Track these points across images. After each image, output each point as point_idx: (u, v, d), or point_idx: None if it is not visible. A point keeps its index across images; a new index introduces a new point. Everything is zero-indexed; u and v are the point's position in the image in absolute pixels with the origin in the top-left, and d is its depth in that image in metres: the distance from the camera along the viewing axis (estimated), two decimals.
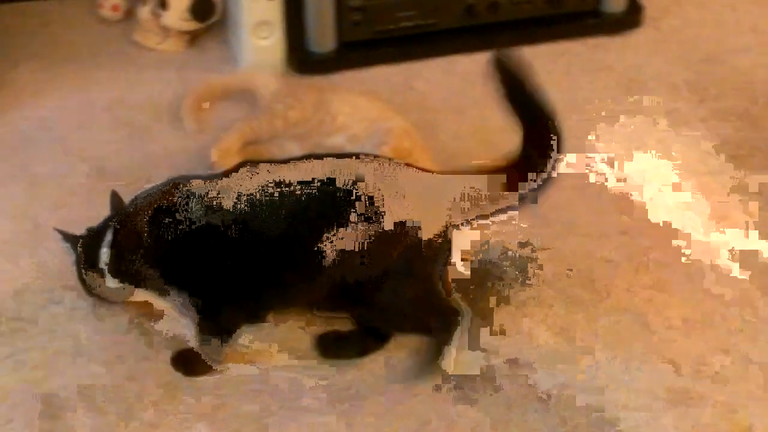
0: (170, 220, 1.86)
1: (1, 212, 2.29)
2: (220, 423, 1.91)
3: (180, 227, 1.86)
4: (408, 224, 1.85)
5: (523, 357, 2.01)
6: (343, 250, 1.82)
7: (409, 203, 1.86)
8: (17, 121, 2.53)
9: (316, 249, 1.82)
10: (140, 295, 1.96)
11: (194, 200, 1.86)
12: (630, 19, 2.80)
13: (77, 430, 1.89)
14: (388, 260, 1.86)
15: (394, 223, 1.84)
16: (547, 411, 1.92)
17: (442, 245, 1.90)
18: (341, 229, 1.82)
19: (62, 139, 2.49)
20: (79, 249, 1.98)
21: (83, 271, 1.98)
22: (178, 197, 1.87)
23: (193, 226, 1.85)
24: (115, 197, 2.01)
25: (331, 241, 1.82)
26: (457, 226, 1.90)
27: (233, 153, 2.35)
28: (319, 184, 1.84)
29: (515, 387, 1.96)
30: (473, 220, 1.92)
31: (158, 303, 1.98)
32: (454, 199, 1.90)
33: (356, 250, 1.83)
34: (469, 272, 2.12)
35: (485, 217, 1.92)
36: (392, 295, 1.89)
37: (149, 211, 1.89)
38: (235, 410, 1.93)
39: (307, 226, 1.83)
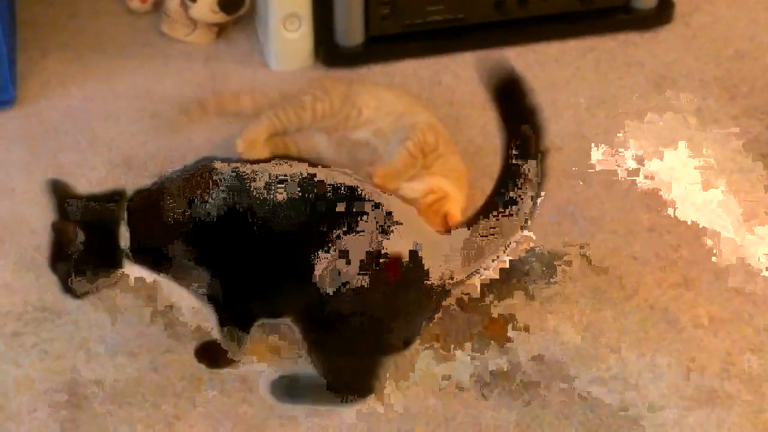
0: (210, 199, 1.79)
1: (27, 201, 2.30)
2: (243, 416, 1.91)
3: (217, 208, 1.79)
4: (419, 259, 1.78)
5: (548, 354, 2.00)
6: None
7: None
8: (44, 111, 2.53)
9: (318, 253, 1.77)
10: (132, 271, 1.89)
11: (231, 182, 1.80)
12: (660, 15, 2.78)
13: (101, 420, 1.90)
14: (381, 288, 1.76)
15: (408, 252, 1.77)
16: (572, 408, 1.91)
17: (435, 297, 1.83)
18: (352, 235, 1.76)
19: (89, 130, 2.48)
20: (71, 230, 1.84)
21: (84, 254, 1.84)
22: (218, 177, 1.81)
23: (228, 209, 1.78)
24: (58, 184, 1.90)
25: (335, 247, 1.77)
26: (457, 282, 1.83)
27: (259, 144, 2.34)
28: (346, 192, 1.80)
29: (540, 384, 1.95)
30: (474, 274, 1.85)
31: (172, 290, 1.94)
32: (461, 249, 1.82)
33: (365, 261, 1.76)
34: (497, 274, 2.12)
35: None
36: (352, 332, 1.80)
37: (186, 189, 1.81)
38: (260, 403, 1.92)
39: (325, 228, 1.77)
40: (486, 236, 1.83)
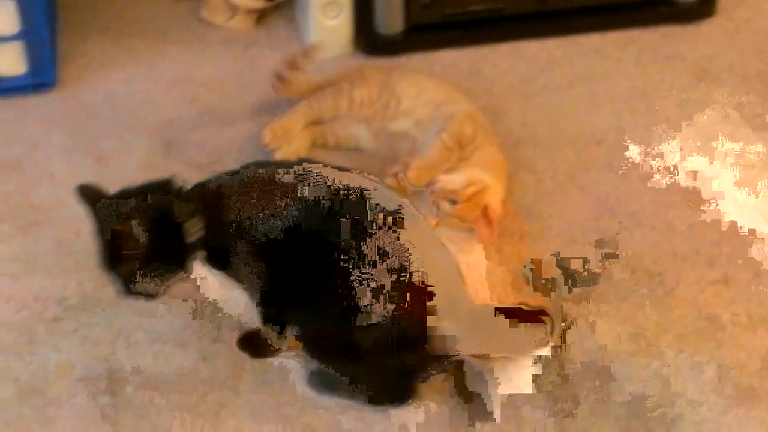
0: (275, 211, 1.79)
1: (67, 186, 2.28)
2: (284, 406, 1.91)
3: (281, 220, 1.79)
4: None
5: (587, 351, 2.00)
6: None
7: None
8: (84, 95, 2.54)
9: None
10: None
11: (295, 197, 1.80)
12: (703, 8, 2.75)
13: (138, 407, 1.91)
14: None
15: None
16: (610, 405, 1.90)
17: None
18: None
19: (129, 114, 2.49)
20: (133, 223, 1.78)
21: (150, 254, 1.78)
22: (281, 190, 1.80)
23: (292, 224, 1.79)
24: (88, 189, 1.87)
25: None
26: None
27: (295, 132, 2.34)
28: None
29: (580, 381, 1.95)
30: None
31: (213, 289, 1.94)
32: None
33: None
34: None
35: None
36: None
37: (251, 195, 1.81)
38: (301, 394, 1.93)
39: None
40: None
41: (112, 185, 2.28)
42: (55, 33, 2.62)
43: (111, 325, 2.03)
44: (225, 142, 2.40)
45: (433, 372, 1.88)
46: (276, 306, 1.88)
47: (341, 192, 1.80)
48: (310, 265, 1.79)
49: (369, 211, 1.78)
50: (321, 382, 1.93)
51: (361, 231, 1.77)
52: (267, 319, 1.91)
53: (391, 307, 1.76)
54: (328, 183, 1.80)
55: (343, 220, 1.77)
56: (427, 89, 2.35)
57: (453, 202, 2.16)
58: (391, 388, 1.89)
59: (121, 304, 2.06)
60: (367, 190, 1.81)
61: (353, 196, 1.79)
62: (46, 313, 2.05)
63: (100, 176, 2.30)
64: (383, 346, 1.79)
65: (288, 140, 2.32)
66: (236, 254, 1.82)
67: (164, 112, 2.49)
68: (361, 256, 1.76)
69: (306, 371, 1.94)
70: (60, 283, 2.10)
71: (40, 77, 2.52)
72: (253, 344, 1.98)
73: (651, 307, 2.07)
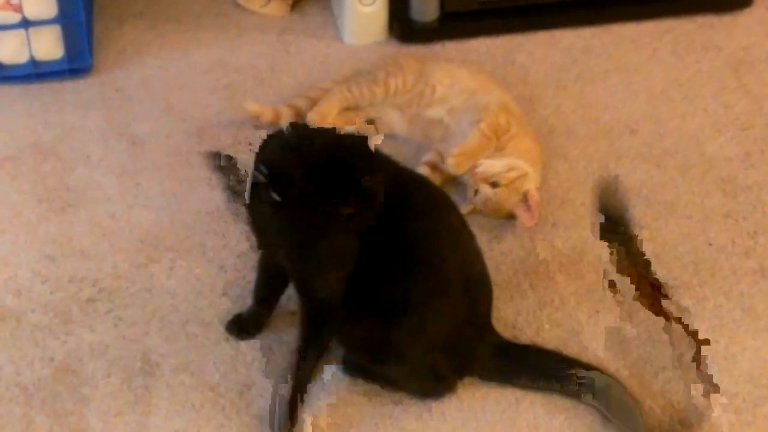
0: None
1: (103, 169, 2.32)
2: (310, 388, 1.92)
3: None
4: None
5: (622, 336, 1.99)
6: None
7: None
8: (120, 80, 2.55)
9: None
10: None
11: None
12: None
13: (173, 388, 1.91)
14: None
15: None
16: (641, 395, 1.90)
17: None
18: None
19: (163, 99, 2.50)
20: None
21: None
22: None
23: None
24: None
25: None
26: None
27: (331, 117, 2.34)
28: None
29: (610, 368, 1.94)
30: None
31: None
32: None
33: None
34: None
35: None
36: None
37: None
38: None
39: None
40: None
41: (146, 169, 2.32)
42: (92, 18, 2.63)
43: (145, 307, 2.04)
44: (258, 127, 2.40)
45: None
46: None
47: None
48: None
49: None
50: (356, 369, 1.93)
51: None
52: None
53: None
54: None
55: None
56: (461, 78, 2.35)
57: (494, 185, 2.15)
58: (430, 386, 1.91)
59: (154, 285, 2.07)
60: None
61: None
62: (80, 294, 2.06)
63: (135, 160, 2.33)
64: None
65: (324, 125, 2.33)
66: None
67: (198, 97, 2.50)
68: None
69: (341, 357, 1.95)
70: (94, 265, 2.11)
71: (77, 62, 2.53)
72: (239, 327, 1.99)
73: (685, 295, 2.06)
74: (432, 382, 1.90)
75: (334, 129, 1.74)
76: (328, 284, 1.81)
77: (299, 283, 1.85)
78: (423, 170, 2.25)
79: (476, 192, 2.17)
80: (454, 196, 2.11)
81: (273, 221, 1.76)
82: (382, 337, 1.83)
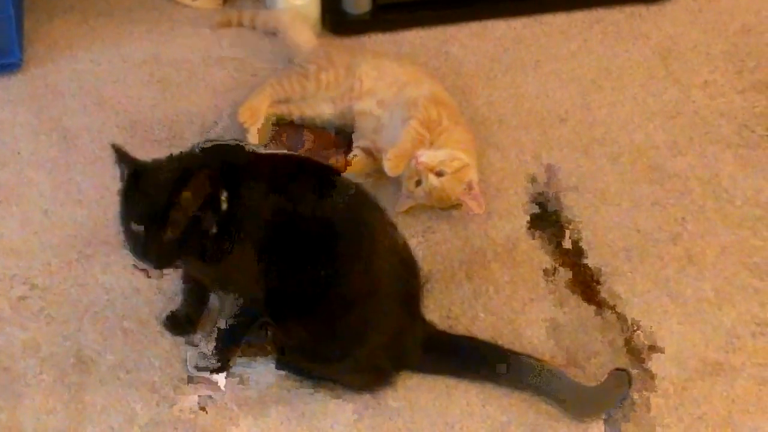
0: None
1: (35, 165, 2.30)
2: (246, 382, 1.92)
3: None
4: None
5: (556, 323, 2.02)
6: None
7: None
8: (51, 75, 2.53)
9: None
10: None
11: None
12: None
13: (108, 383, 1.91)
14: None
15: None
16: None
17: None
18: None
19: (95, 93, 2.48)
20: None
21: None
22: None
23: None
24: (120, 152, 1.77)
25: None
26: None
27: (262, 112, 2.34)
28: None
29: None
30: None
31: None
32: None
33: None
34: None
35: None
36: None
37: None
38: (266, 371, 1.94)
39: None
40: None
41: (78, 164, 2.30)
42: (21, 13, 2.61)
43: (78, 303, 2.03)
44: (191, 120, 2.40)
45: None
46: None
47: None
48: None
49: None
50: (290, 367, 1.94)
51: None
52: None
53: None
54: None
55: None
56: (390, 71, 2.36)
57: (440, 174, 2.17)
58: (370, 380, 1.92)
59: (88, 281, 2.06)
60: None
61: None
62: (12, 292, 2.05)
63: (67, 155, 2.32)
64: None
65: (256, 119, 2.32)
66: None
67: (131, 91, 2.49)
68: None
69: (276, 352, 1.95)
70: (26, 263, 2.10)
71: (6, 57, 2.50)
72: (174, 323, 2.00)
73: (617, 282, 2.09)
74: (372, 377, 1.91)
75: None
76: (236, 284, 1.84)
77: (210, 285, 1.90)
78: (356, 152, 2.26)
79: (418, 183, 2.18)
80: (386, 194, 2.15)
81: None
82: (324, 339, 1.84)
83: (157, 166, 1.74)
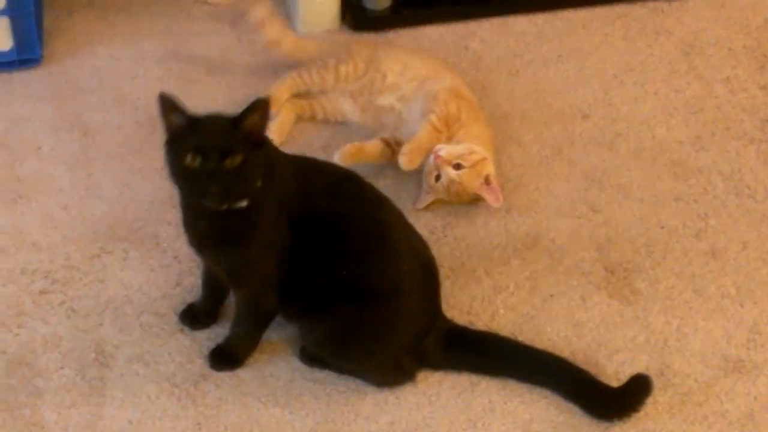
0: None
1: (55, 160, 2.30)
2: (269, 377, 1.92)
3: None
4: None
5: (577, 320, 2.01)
6: None
7: None
8: (70, 70, 2.53)
9: None
10: None
11: None
12: None
13: (127, 379, 1.91)
14: None
15: None
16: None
17: None
18: None
19: (115, 89, 2.48)
20: None
21: None
22: None
23: None
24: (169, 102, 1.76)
25: None
26: None
27: (281, 102, 2.34)
28: None
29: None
30: None
31: None
32: None
33: None
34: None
35: None
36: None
37: None
38: (286, 365, 1.93)
39: None
40: None
41: (97, 160, 2.30)
42: (41, 9, 2.61)
43: (98, 298, 2.03)
44: None
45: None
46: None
47: None
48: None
49: None
50: (313, 358, 1.93)
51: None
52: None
53: None
54: None
55: None
56: (412, 65, 2.35)
57: (458, 167, 2.16)
58: (392, 376, 1.92)
59: (108, 276, 2.06)
60: None
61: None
62: (33, 286, 2.04)
63: (86, 151, 2.32)
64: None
65: (275, 109, 2.33)
66: None
67: (150, 87, 2.48)
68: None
69: (299, 346, 1.95)
70: (47, 257, 2.10)
71: (26, 53, 2.50)
72: (192, 317, 1.99)
73: (638, 277, 2.07)
74: (394, 373, 1.90)
75: None
76: (255, 275, 1.83)
77: (228, 274, 1.86)
78: (377, 143, 2.26)
79: (438, 178, 2.17)
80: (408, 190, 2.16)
81: (200, 217, 1.78)
82: (351, 336, 1.84)
83: (210, 114, 1.74)
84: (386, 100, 2.32)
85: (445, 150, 2.17)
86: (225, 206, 1.72)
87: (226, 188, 1.69)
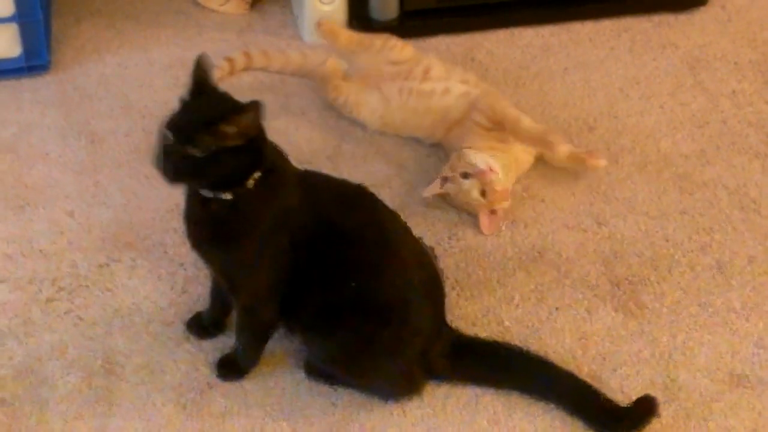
0: None
1: (62, 167, 2.30)
2: (273, 388, 1.92)
3: None
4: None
5: (582, 333, 2.01)
6: None
7: None
8: (78, 78, 2.53)
9: None
10: None
11: None
12: None
13: (134, 388, 1.91)
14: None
15: None
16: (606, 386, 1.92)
17: None
18: None
19: (122, 97, 2.49)
20: None
21: None
22: None
23: None
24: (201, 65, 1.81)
25: None
26: None
27: (341, 38, 2.47)
28: None
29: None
30: None
31: None
32: None
33: None
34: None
35: None
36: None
37: None
38: (291, 377, 1.94)
39: None
40: None
41: (105, 167, 2.31)
42: (49, 16, 2.62)
43: (105, 306, 2.03)
44: None
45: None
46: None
47: None
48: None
49: None
50: (318, 373, 1.94)
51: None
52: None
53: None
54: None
55: None
56: (456, 71, 2.39)
57: (465, 176, 2.17)
58: (401, 389, 1.92)
59: (115, 284, 2.06)
60: None
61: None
62: (40, 295, 2.05)
63: (94, 158, 2.33)
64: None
65: (331, 39, 2.47)
66: None
67: (158, 95, 2.49)
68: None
69: (305, 359, 1.95)
70: (54, 265, 2.10)
71: (34, 60, 2.51)
72: (198, 326, 2.00)
73: (643, 291, 2.08)
74: (404, 385, 1.91)
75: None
76: (249, 283, 1.83)
77: (224, 278, 1.86)
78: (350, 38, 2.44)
79: (465, 176, 2.18)
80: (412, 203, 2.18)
81: (193, 204, 1.79)
82: (362, 350, 1.84)
83: (222, 93, 1.77)
84: (429, 86, 2.35)
85: (469, 154, 2.19)
86: (178, 185, 1.75)
87: (180, 169, 1.71)
